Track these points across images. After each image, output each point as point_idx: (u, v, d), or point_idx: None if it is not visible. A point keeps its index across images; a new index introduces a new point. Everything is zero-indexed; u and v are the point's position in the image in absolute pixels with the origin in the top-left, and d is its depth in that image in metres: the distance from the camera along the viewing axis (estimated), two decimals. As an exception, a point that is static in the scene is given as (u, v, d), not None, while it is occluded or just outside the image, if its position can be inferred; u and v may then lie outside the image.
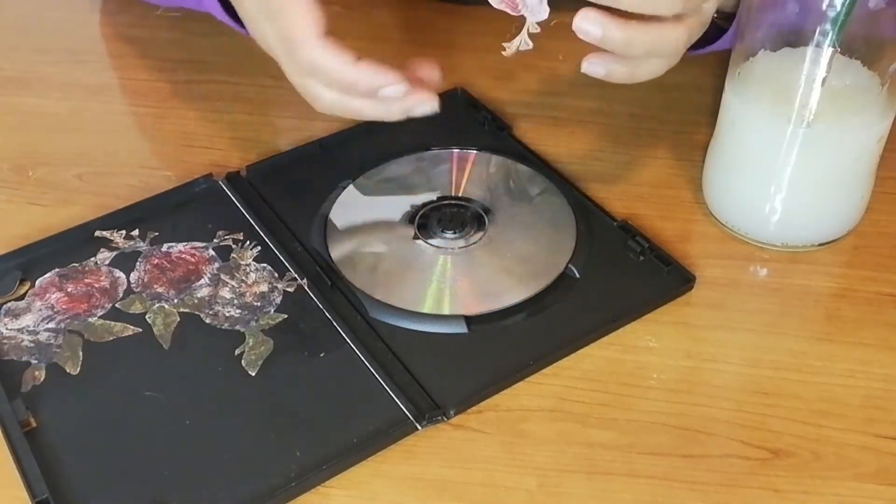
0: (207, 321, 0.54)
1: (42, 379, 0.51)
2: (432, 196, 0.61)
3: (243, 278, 0.57)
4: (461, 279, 0.56)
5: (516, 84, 0.66)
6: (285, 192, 0.62)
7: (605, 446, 0.48)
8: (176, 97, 0.72)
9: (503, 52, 0.50)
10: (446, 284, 0.56)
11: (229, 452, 0.48)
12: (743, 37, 0.56)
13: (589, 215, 0.60)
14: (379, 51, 0.53)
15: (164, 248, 0.59)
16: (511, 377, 0.51)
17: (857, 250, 0.60)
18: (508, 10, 0.49)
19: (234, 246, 0.59)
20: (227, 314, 0.54)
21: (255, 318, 0.54)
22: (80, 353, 0.52)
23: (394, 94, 0.49)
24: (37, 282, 0.56)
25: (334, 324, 0.54)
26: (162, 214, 0.61)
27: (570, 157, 0.66)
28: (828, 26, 0.51)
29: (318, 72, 0.49)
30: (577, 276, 0.56)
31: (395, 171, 0.63)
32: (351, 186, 0.62)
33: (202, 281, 0.56)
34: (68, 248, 0.58)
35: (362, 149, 0.59)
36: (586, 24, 0.46)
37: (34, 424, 0.49)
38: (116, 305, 0.55)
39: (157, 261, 0.58)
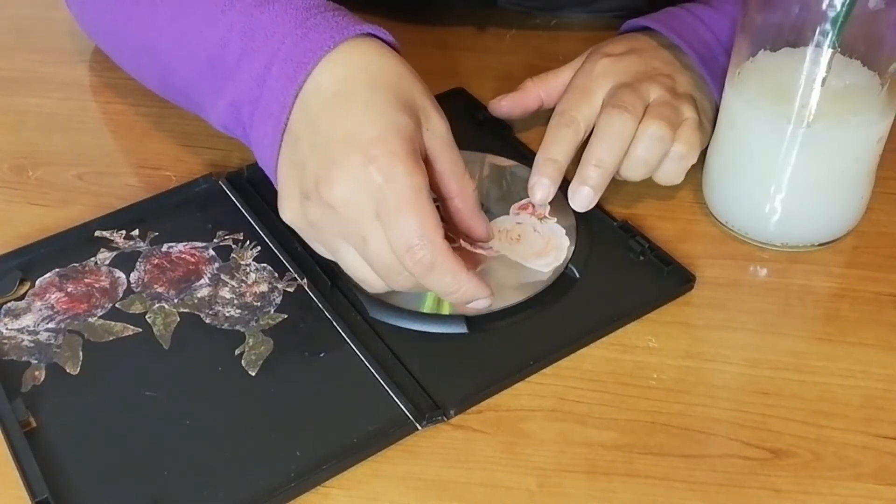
0: (207, 321, 0.54)
1: (42, 379, 0.51)
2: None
3: (243, 278, 0.57)
4: (461, 279, 0.56)
5: (516, 84, 0.66)
6: (285, 192, 0.62)
7: (605, 446, 0.48)
8: (176, 97, 0.72)
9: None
10: (446, 284, 0.56)
11: (229, 452, 0.48)
12: (743, 37, 0.56)
13: (589, 215, 0.60)
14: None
15: (164, 248, 0.59)
16: (511, 377, 0.51)
17: (857, 250, 0.60)
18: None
19: (234, 246, 0.59)
20: (227, 314, 0.54)
21: (255, 318, 0.54)
22: (80, 353, 0.52)
23: (481, 307, 0.51)
24: (37, 282, 0.56)
25: (334, 324, 0.54)
26: (162, 214, 0.61)
27: (570, 157, 0.66)
28: (828, 26, 0.51)
29: (434, 273, 0.48)
30: (577, 276, 0.56)
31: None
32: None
33: (202, 281, 0.56)
34: (68, 248, 0.58)
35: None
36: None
37: (34, 424, 0.49)
38: (116, 305, 0.55)
39: (157, 261, 0.58)
